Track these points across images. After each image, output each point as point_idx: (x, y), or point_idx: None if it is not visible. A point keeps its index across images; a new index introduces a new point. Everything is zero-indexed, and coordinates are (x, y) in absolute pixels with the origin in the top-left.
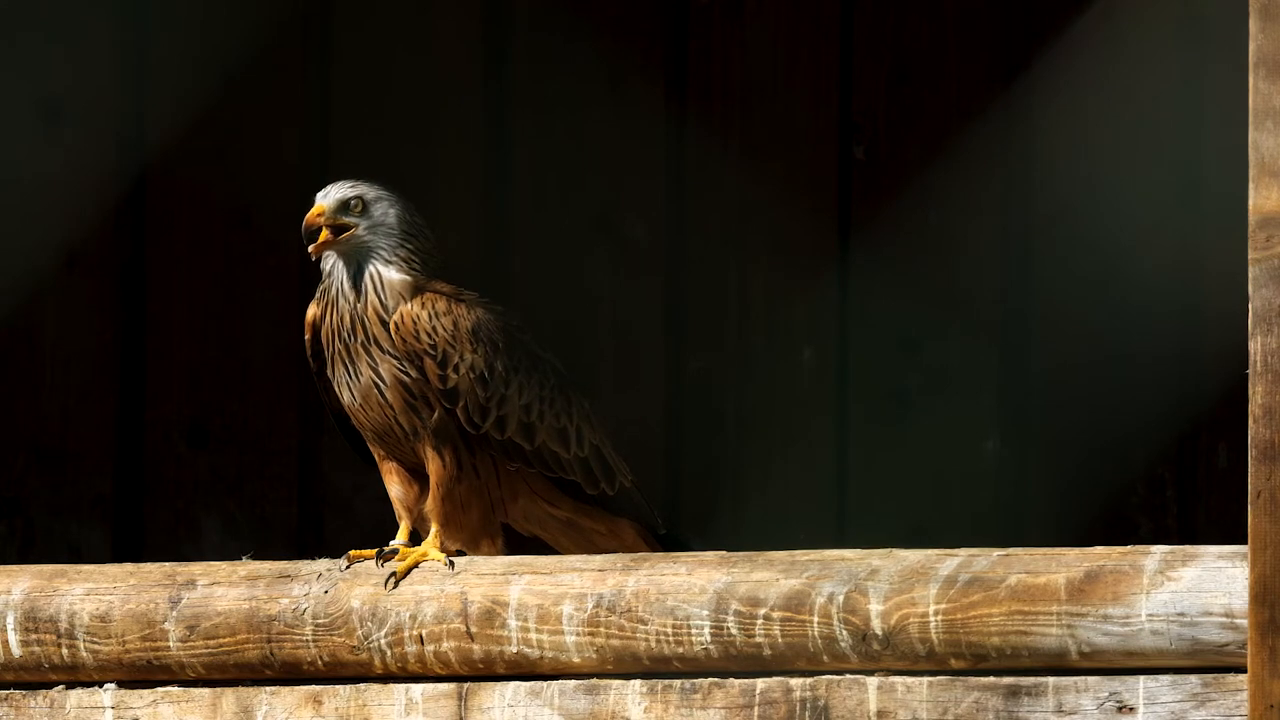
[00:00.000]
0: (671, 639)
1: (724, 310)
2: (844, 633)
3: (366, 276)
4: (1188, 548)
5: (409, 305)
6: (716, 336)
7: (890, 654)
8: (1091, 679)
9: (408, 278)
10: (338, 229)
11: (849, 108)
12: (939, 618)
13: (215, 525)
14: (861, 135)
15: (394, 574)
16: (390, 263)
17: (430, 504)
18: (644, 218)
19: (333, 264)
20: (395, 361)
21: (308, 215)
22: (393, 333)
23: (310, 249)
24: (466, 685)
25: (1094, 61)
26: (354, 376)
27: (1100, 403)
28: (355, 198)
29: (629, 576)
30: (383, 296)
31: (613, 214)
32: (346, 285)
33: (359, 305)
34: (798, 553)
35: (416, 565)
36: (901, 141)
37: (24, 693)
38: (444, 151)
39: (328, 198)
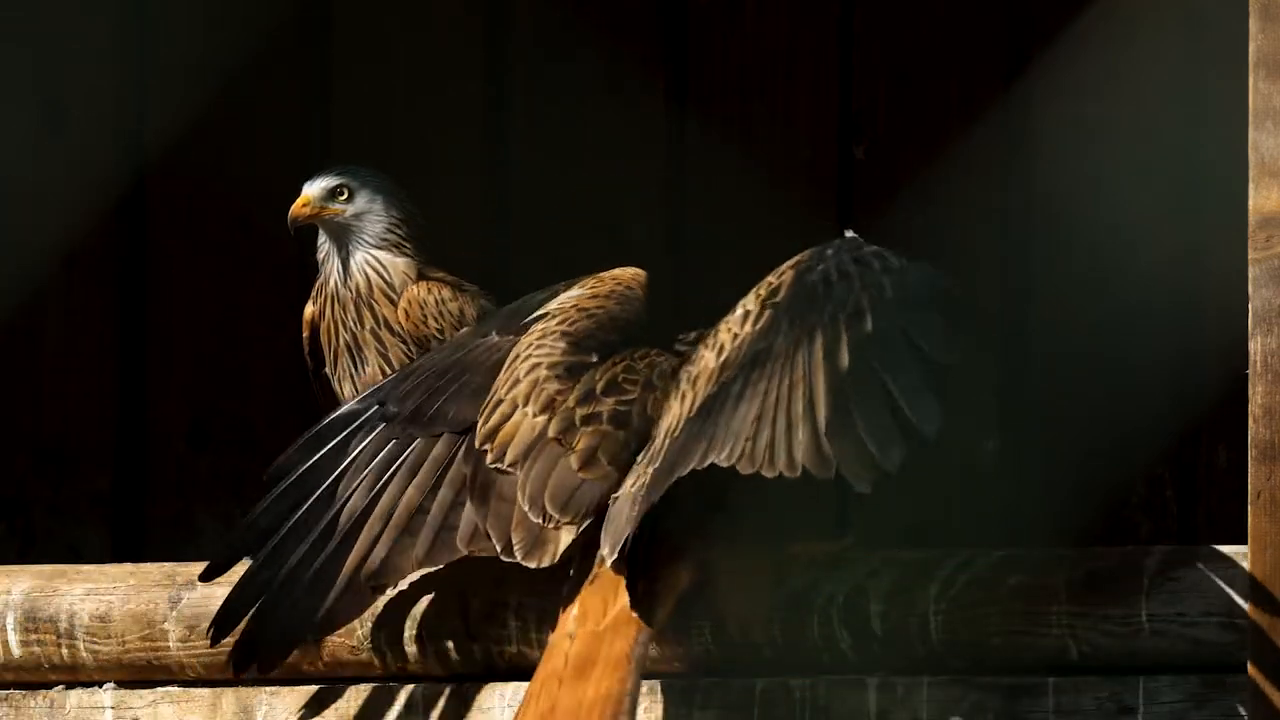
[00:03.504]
0: (671, 639)
1: (724, 310)
2: (844, 633)
3: (364, 261)
4: (1188, 548)
5: (414, 289)
6: None
7: (890, 654)
8: (1091, 679)
9: (409, 259)
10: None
11: (849, 108)
12: (939, 618)
13: (215, 526)
14: (861, 135)
15: None
16: (381, 246)
17: None
18: (644, 218)
19: (328, 250)
20: (404, 347)
21: (293, 206)
22: (402, 318)
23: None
24: (467, 685)
25: (1094, 61)
26: (359, 368)
27: (1100, 402)
28: (341, 184)
29: None
30: (386, 277)
31: (613, 214)
32: (345, 274)
33: (363, 290)
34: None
35: None
36: (901, 141)
37: (24, 693)
38: (444, 151)
39: (313, 186)
